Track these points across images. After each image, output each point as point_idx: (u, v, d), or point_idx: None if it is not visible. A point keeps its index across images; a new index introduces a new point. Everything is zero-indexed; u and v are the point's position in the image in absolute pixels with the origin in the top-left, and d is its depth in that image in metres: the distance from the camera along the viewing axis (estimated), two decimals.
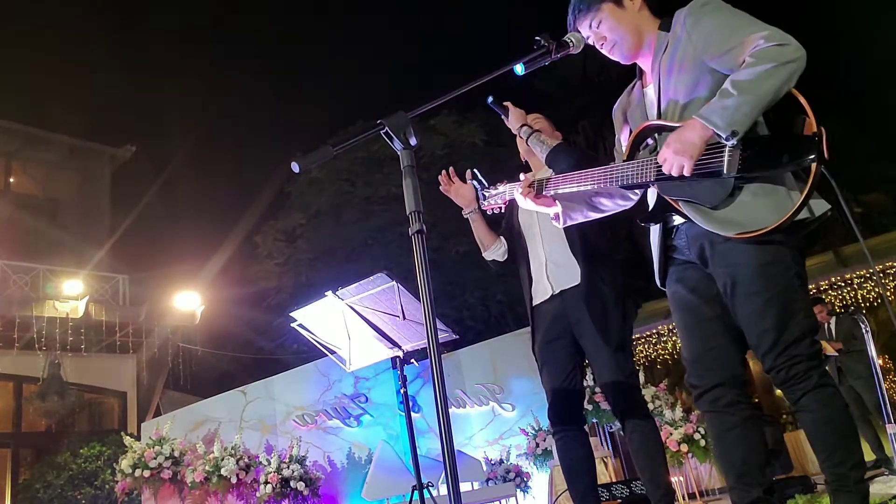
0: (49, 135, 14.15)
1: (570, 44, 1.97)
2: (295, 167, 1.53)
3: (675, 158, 1.78)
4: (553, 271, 2.81)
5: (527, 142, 2.69)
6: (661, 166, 1.86)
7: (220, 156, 20.80)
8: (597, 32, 2.00)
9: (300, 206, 14.26)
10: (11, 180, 14.28)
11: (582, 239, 2.74)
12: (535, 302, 2.89)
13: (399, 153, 1.51)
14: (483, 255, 3.09)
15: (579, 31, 2.02)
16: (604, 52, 2.03)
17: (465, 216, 2.96)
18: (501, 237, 3.05)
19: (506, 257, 3.05)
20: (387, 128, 1.51)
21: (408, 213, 1.46)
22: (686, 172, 1.77)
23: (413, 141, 1.51)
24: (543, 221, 2.84)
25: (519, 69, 1.86)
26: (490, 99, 2.64)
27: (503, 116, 2.73)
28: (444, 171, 2.87)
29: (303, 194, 14.31)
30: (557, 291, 2.79)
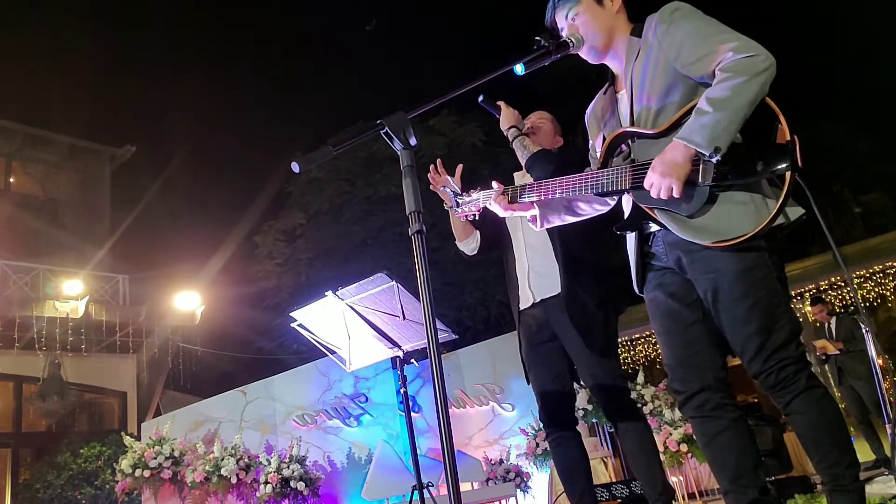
0: (49, 135, 14.14)
1: (571, 44, 1.98)
2: (295, 167, 1.53)
3: (662, 181, 1.78)
4: (534, 280, 2.82)
5: (511, 144, 2.70)
6: (636, 174, 1.87)
7: (220, 155, 20.79)
8: (571, 25, 2.00)
9: (300, 206, 14.27)
10: (11, 180, 14.27)
11: (563, 246, 2.74)
12: (521, 307, 2.90)
13: (399, 153, 1.51)
14: (456, 243, 3.10)
15: (556, 22, 2.03)
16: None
17: (447, 209, 2.95)
18: (477, 232, 3.06)
19: (475, 253, 3.08)
20: (387, 128, 1.51)
21: (407, 213, 1.46)
22: (676, 194, 1.77)
23: (413, 141, 1.51)
24: (527, 230, 2.84)
25: (519, 69, 1.86)
26: (481, 98, 2.63)
27: (496, 115, 2.73)
28: (432, 165, 2.87)
29: (303, 194, 14.31)
30: (538, 300, 2.80)
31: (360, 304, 3.13)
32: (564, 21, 2.01)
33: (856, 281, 11.24)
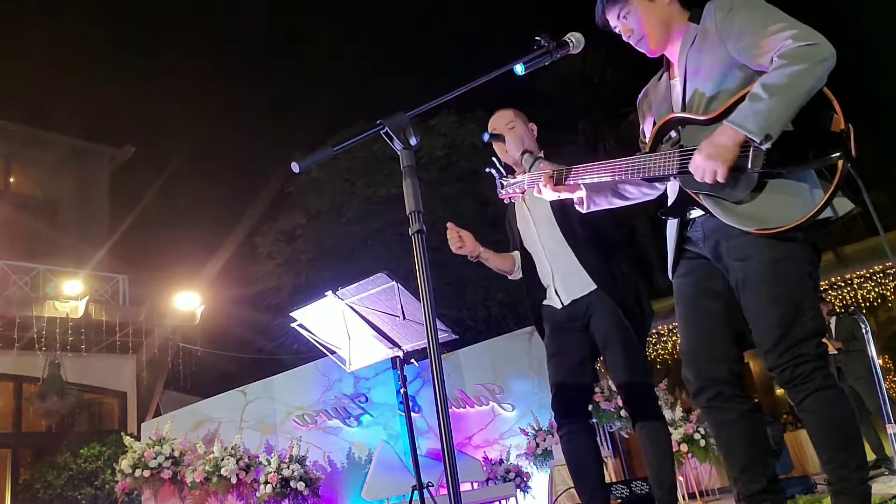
0: (49, 135, 14.12)
1: (570, 44, 1.97)
2: (295, 167, 1.53)
3: (707, 164, 1.75)
4: (560, 281, 2.79)
5: (529, 170, 2.67)
6: (683, 159, 1.85)
7: (221, 156, 20.78)
8: (624, 23, 1.99)
9: (300, 206, 14.26)
10: (11, 180, 14.26)
11: (585, 245, 2.72)
12: (545, 303, 2.87)
13: (399, 153, 1.51)
14: (510, 278, 3.08)
15: (608, 21, 2.02)
16: (630, 42, 2.02)
17: (475, 260, 2.95)
18: (515, 253, 3.04)
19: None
20: (387, 128, 1.51)
21: (408, 213, 1.46)
22: (720, 178, 1.75)
23: (413, 141, 1.51)
24: (542, 232, 2.82)
25: (519, 69, 1.85)
26: (486, 136, 2.73)
27: (503, 145, 2.77)
28: (448, 232, 2.88)
29: (303, 194, 14.31)
30: (568, 302, 2.76)
31: (360, 304, 3.13)
32: (617, 20, 2.00)
33: (856, 281, 11.23)
